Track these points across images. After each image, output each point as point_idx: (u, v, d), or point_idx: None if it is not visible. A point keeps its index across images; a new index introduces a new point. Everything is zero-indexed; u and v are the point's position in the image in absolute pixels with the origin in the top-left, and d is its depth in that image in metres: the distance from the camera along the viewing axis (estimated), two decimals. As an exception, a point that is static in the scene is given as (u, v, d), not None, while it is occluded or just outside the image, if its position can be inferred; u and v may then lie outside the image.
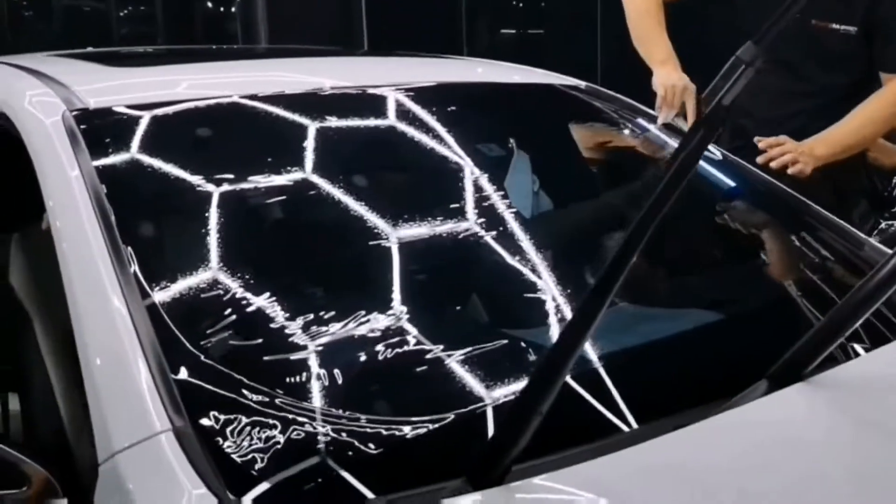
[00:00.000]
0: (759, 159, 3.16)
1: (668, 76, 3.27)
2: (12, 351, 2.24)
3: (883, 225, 3.56)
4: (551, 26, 9.95)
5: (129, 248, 1.89)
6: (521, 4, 10.36)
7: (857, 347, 2.07)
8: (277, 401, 1.67)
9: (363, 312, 1.92)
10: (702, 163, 2.71)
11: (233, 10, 9.42)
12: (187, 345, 1.75)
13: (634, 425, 1.76)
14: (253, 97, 2.47)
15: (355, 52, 5.25)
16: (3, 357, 2.37)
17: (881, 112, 3.37)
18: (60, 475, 1.66)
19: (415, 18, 8.71)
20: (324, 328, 1.87)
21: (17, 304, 2.29)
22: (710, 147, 2.91)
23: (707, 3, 3.86)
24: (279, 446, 1.59)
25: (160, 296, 1.84)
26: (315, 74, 2.86)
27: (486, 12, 9.91)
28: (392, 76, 2.86)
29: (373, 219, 2.18)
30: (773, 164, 3.16)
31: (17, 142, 2.21)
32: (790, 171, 3.15)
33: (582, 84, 3.18)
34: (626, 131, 3.07)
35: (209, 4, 10.20)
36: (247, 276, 1.94)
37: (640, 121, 3.05)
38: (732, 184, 2.80)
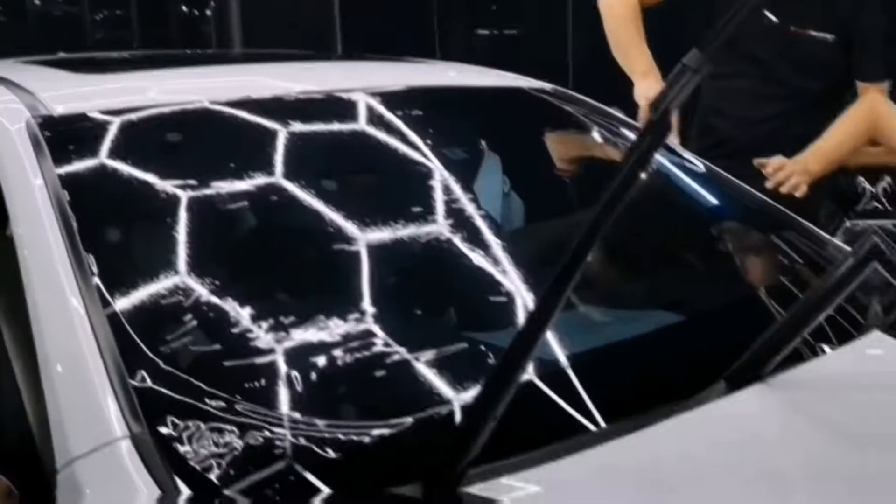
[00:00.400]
0: (769, 185, 3.18)
1: (649, 88, 3.29)
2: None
3: (848, 224, 3.59)
4: (525, 27, 9.95)
5: (91, 256, 1.89)
6: (494, 6, 10.36)
7: (822, 346, 2.08)
8: (237, 406, 1.67)
9: (323, 317, 1.93)
10: (666, 164, 2.74)
11: (208, 13, 9.42)
12: (147, 351, 1.75)
13: (595, 426, 1.77)
14: (220, 103, 2.47)
15: (327, 56, 5.25)
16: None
17: (863, 124, 3.39)
18: (25, 481, 1.66)
19: (389, 20, 8.72)
20: (284, 333, 1.88)
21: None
22: (676, 148, 2.92)
23: (684, 8, 3.86)
24: (238, 452, 1.59)
25: (120, 302, 1.84)
26: (285, 79, 2.87)
27: (459, 13, 9.91)
28: (361, 80, 2.86)
29: (338, 223, 2.18)
30: (783, 189, 3.18)
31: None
32: (797, 194, 3.18)
33: (550, 87, 3.18)
34: (596, 136, 3.08)
35: (184, 8, 10.19)
36: (208, 282, 1.94)
37: (610, 125, 3.06)
38: (695, 185, 2.81)
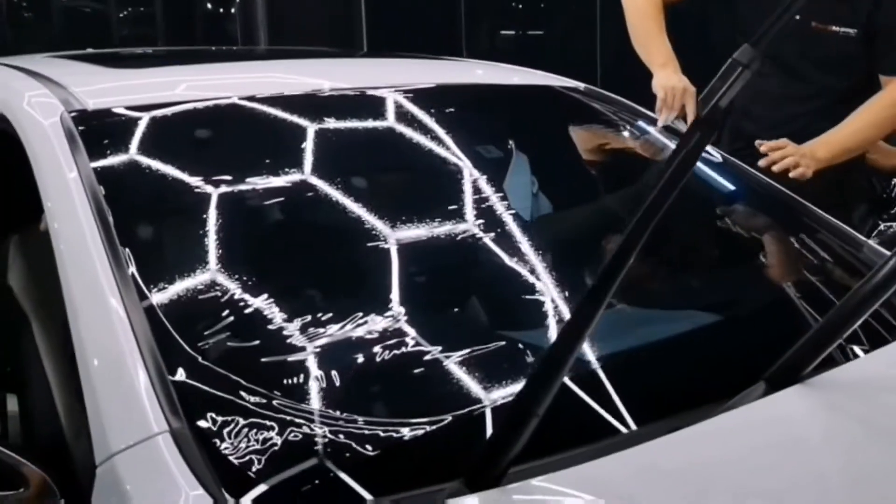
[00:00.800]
0: (762, 163, 3.16)
1: (667, 78, 3.27)
2: (11, 352, 2.24)
3: (882, 227, 3.57)
4: (551, 27, 9.94)
5: (127, 250, 1.89)
6: (520, 6, 10.35)
7: (857, 349, 2.07)
8: (275, 402, 1.67)
9: (361, 314, 1.92)
10: (701, 165, 2.72)
11: (233, 11, 9.43)
12: (185, 346, 1.75)
13: (633, 427, 1.76)
14: (251, 98, 2.47)
15: (354, 53, 5.24)
16: (2, 358, 2.37)
17: (881, 114, 3.36)
18: (59, 477, 1.66)
19: (414, 19, 8.72)
20: (321, 330, 1.87)
21: (16, 305, 2.29)
22: (710, 149, 2.91)
23: (707, 4, 3.85)
24: (276, 448, 1.59)
25: (158, 297, 1.84)
26: (314, 76, 2.86)
27: (485, 13, 9.91)
28: (391, 78, 2.85)
29: (371, 220, 2.18)
30: (774, 168, 3.15)
31: (15, 143, 2.20)
32: (792, 174, 3.14)
33: (581, 86, 3.18)
34: (625, 133, 3.07)
35: (209, 6, 10.20)
36: (245, 278, 1.94)
37: (639, 122, 3.05)
38: (731, 186, 2.80)
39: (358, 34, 8.89)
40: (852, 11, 3.37)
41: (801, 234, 2.66)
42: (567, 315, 2.04)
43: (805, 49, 3.43)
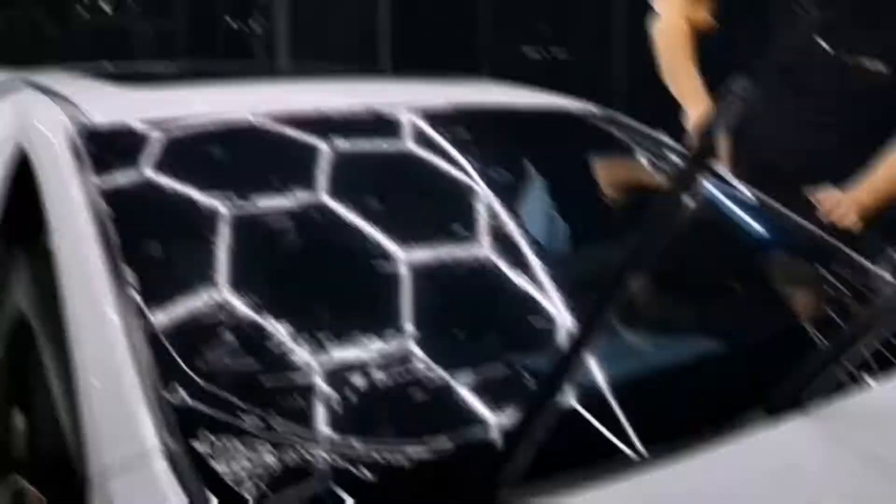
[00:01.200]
0: (827, 220, 3.16)
1: (700, 117, 3.27)
2: (18, 369, 2.24)
3: (892, 254, 3.55)
4: (576, 48, 9.94)
5: (130, 269, 1.89)
6: (544, 25, 10.34)
7: (865, 377, 2.06)
8: (272, 424, 1.67)
9: (362, 336, 1.92)
10: (712, 191, 2.72)
11: (255, 27, 9.46)
12: (183, 366, 1.75)
13: (636, 453, 1.75)
14: (264, 117, 2.47)
15: (373, 73, 5.25)
16: (9, 374, 2.37)
17: None
18: (58, 493, 1.66)
19: (438, 37, 8.73)
20: (322, 351, 1.87)
21: (24, 322, 2.29)
22: (724, 175, 2.91)
23: (735, 34, 3.83)
24: (273, 470, 1.58)
25: (158, 317, 1.84)
26: (330, 95, 2.87)
27: (508, 32, 9.91)
28: (407, 98, 2.85)
29: (380, 242, 2.18)
30: (833, 219, 3.16)
31: (24, 160, 2.21)
32: (846, 224, 3.15)
33: (596, 110, 3.17)
34: (641, 159, 3.06)
35: (231, 22, 10.24)
36: (247, 299, 1.94)
37: (657, 149, 3.04)
38: (740, 212, 2.79)
39: (383, 52, 8.90)
40: (883, 47, 3.36)
41: (808, 259, 2.66)
42: (572, 339, 2.04)
43: (835, 81, 3.42)
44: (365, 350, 1.90)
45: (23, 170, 2.25)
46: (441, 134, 2.57)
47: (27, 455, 2.14)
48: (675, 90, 3.48)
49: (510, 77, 3.64)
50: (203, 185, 2.19)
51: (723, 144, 3.19)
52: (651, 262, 1.43)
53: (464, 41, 9.29)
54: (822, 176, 3.27)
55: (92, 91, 2.74)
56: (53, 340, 2.08)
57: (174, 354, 1.77)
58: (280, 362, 1.84)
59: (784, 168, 3.31)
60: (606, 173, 3.04)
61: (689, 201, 1.42)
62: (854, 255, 2.68)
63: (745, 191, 2.91)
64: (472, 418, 1.80)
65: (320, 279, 2.20)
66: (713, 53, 3.64)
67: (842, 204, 3.20)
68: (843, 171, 3.30)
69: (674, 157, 2.99)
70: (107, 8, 10.00)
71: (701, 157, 1.44)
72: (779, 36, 1.50)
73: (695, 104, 3.35)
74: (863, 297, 2.46)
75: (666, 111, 3.41)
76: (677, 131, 3.24)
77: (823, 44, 3.31)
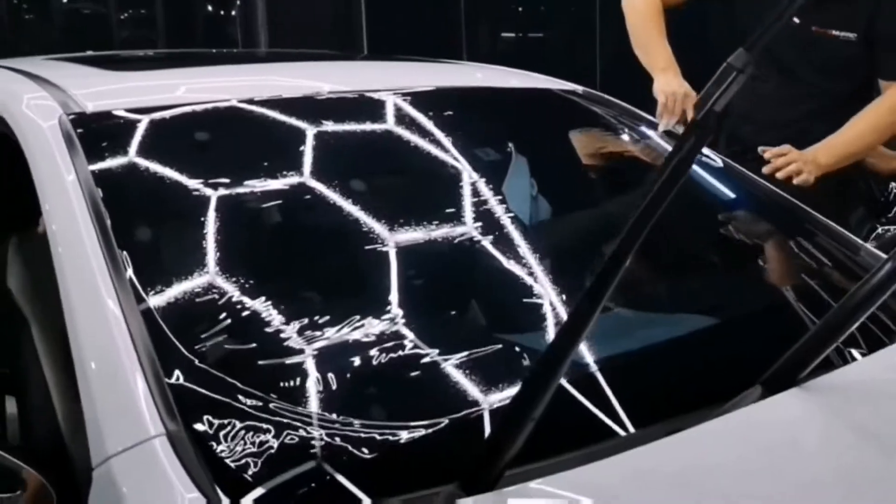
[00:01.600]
0: (765, 169, 3.16)
1: (668, 83, 3.27)
2: (10, 354, 2.24)
3: (879, 230, 3.56)
4: (551, 30, 9.94)
5: (125, 253, 1.89)
6: (520, 8, 10.34)
7: (854, 352, 2.07)
8: (272, 405, 1.67)
9: (358, 317, 1.92)
10: (699, 169, 2.73)
11: (233, 13, 9.42)
12: (182, 349, 1.75)
13: (629, 430, 1.76)
14: (250, 101, 2.47)
15: (354, 56, 5.24)
16: (1, 360, 2.37)
17: (882, 119, 3.36)
18: (56, 479, 1.66)
19: (415, 22, 8.71)
20: (318, 332, 1.87)
21: (15, 307, 2.29)
22: (709, 153, 2.91)
23: (706, 8, 3.85)
24: (273, 451, 1.59)
25: (155, 300, 1.84)
26: (313, 79, 2.86)
27: (485, 16, 9.91)
28: (390, 81, 2.85)
29: (369, 223, 2.18)
30: (778, 175, 3.15)
31: (14, 146, 2.21)
32: (795, 181, 3.15)
33: (580, 89, 3.18)
34: (625, 137, 3.07)
35: (209, 8, 10.19)
36: (242, 281, 1.94)
37: (639, 126, 3.05)
38: (729, 190, 2.80)
39: (359, 36, 8.88)
40: (853, 16, 3.37)
41: (799, 237, 2.66)
42: (564, 318, 2.04)
43: (805, 53, 3.44)
44: (360, 331, 1.90)
45: (8, 155, 2.24)
46: (426, 115, 2.58)
47: (24, 441, 2.15)
48: (644, 60, 3.48)
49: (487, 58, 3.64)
50: (194, 169, 2.19)
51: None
52: (646, 239, 1.43)
53: (443, 23, 9.28)
54: (798, 148, 3.27)
55: (79, 77, 2.74)
56: (47, 326, 2.09)
57: (172, 337, 1.77)
58: (276, 343, 1.85)
59: (761, 143, 3.31)
60: (583, 143, 3.05)
61: (669, 175, 1.43)
62: (840, 229, 2.70)
63: (732, 166, 2.92)
64: (468, 398, 1.81)
65: (311, 260, 2.21)
66: (684, 26, 3.65)
67: (791, 158, 3.20)
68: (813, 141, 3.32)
69: (653, 135, 3.00)
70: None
71: (699, 133, 1.45)
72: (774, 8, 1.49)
73: (664, 73, 3.34)
74: (850, 272, 2.48)
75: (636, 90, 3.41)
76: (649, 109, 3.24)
77: (794, 17, 3.32)
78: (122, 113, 2.32)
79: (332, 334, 1.88)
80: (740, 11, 3.59)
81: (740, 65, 1.46)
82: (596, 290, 1.44)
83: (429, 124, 2.54)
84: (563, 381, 1.74)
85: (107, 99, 2.41)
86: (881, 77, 3.42)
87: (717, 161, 2.91)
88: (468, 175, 2.43)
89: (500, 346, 1.98)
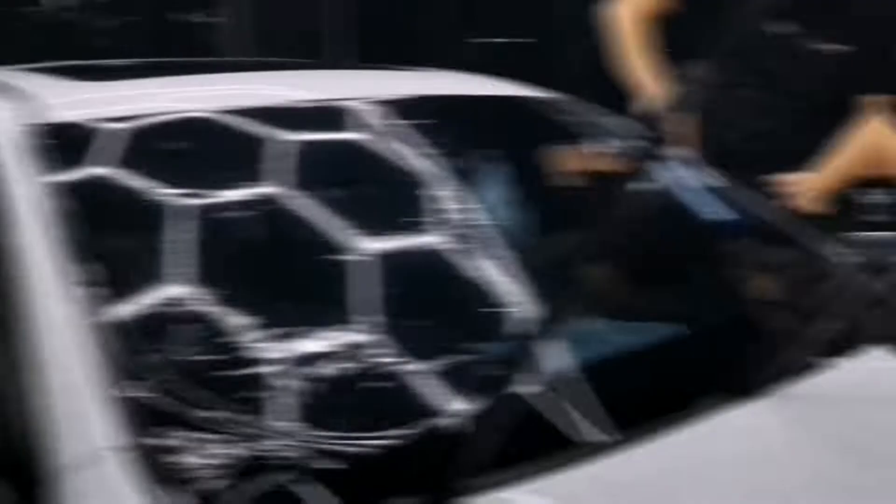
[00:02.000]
0: (794, 203, 3.18)
1: (653, 100, 3.27)
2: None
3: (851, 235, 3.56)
4: (542, 36, 9.94)
5: (83, 264, 1.88)
6: (510, 13, 10.33)
7: (825, 360, 2.07)
8: (229, 417, 1.66)
9: (321, 326, 1.91)
10: (671, 174, 2.72)
11: (215, 21, 9.42)
12: (137, 361, 1.74)
13: (600, 438, 1.76)
14: (222, 111, 2.46)
15: (332, 63, 5.25)
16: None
17: (881, 141, 3.36)
18: (9, 490, 1.65)
19: (405, 28, 8.71)
20: (279, 343, 1.86)
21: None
22: (692, 160, 2.91)
23: (693, 16, 3.84)
24: (230, 463, 1.58)
25: (110, 312, 1.83)
26: (287, 88, 2.86)
27: (476, 21, 9.90)
28: (362, 89, 2.84)
29: (335, 233, 2.17)
30: (805, 206, 3.17)
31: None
32: (811, 208, 3.16)
33: (557, 96, 3.17)
34: (601, 144, 3.06)
35: (190, 17, 10.19)
36: (201, 292, 1.93)
37: (613, 133, 3.04)
38: (704, 196, 2.79)
39: (352, 40, 8.87)
40: (839, 28, 3.38)
41: (765, 242, 2.66)
42: (531, 327, 2.04)
43: (791, 62, 3.44)
44: (323, 341, 1.89)
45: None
46: (400, 124, 2.57)
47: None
48: (627, 73, 3.48)
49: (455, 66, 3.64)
50: (159, 180, 2.18)
51: (690, 128, 3.19)
52: (612, 247, 1.43)
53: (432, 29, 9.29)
54: (779, 158, 3.28)
55: (47, 87, 2.72)
56: (3, 336, 2.07)
57: (127, 349, 1.76)
58: (236, 355, 1.84)
59: (742, 151, 3.32)
60: (564, 161, 3.04)
61: (644, 186, 1.43)
62: (812, 233, 2.69)
63: (710, 175, 2.91)
64: (434, 407, 1.80)
65: (278, 271, 2.20)
66: (668, 37, 3.65)
67: (805, 187, 3.21)
68: (799, 153, 3.31)
69: (633, 142, 3.00)
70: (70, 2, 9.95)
71: (653, 140, 1.45)
72: (733, 19, 1.49)
73: (647, 87, 3.35)
74: (822, 277, 2.47)
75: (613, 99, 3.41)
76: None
77: (779, 27, 3.32)
78: (89, 123, 2.31)
79: (293, 345, 1.87)
80: (724, 18, 3.58)
81: (700, 74, 1.46)
82: (565, 298, 1.44)
83: (402, 133, 2.53)
84: (532, 390, 1.73)
85: (74, 109, 2.40)
86: (865, 90, 3.42)
87: (697, 169, 2.90)
88: (442, 184, 2.42)
89: (467, 354, 1.97)
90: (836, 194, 3.32)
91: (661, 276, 2.61)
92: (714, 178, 2.91)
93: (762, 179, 3.26)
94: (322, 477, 1.59)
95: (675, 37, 3.65)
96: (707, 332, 2.25)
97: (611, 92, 3.48)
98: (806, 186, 3.23)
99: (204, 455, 1.58)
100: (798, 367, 1.91)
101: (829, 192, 3.26)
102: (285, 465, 1.60)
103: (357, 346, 1.90)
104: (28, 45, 8.87)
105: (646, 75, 3.40)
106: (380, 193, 2.53)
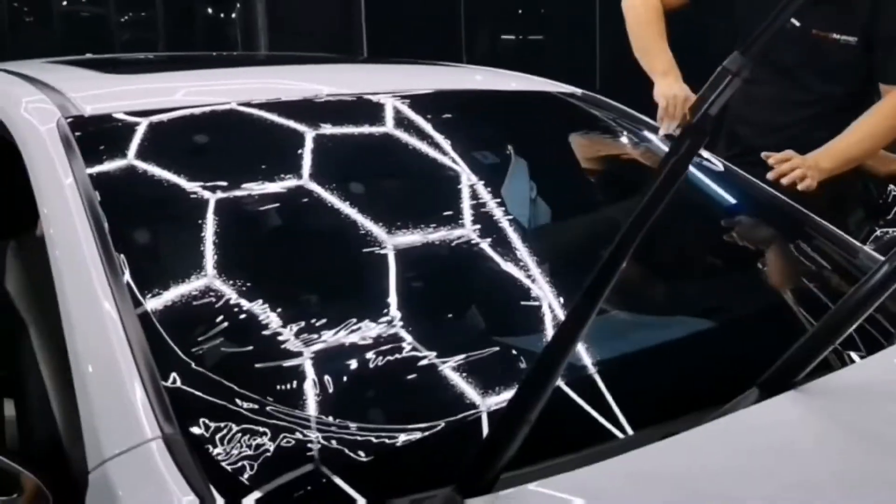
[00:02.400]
0: (770, 175, 3.14)
1: (669, 87, 3.26)
2: (8, 357, 2.24)
3: (878, 233, 3.56)
4: (551, 32, 9.93)
5: (122, 256, 1.89)
6: (520, 11, 10.34)
7: (852, 355, 2.07)
8: (268, 408, 1.67)
9: (355, 320, 1.92)
10: (697, 172, 2.72)
11: (233, 16, 9.43)
12: (178, 352, 1.75)
13: (626, 432, 1.76)
14: (249, 104, 2.47)
15: (354, 58, 5.25)
16: (-1, 363, 2.38)
17: (883, 124, 3.35)
18: (53, 482, 1.66)
19: (415, 24, 8.71)
20: (316, 335, 1.87)
21: (13, 310, 2.29)
22: (708, 156, 2.91)
23: (707, 11, 3.84)
24: (270, 454, 1.59)
25: (152, 303, 1.84)
26: (312, 82, 2.86)
27: (485, 18, 9.90)
28: (389, 83, 2.85)
29: (368, 226, 2.18)
30: (783, 181, 3.14)
31: (12, 149, 2.21)
32: (800, 186, 3.13)
33: (579, 91, 3.18)
34: (623, 140, 3.07)
35: (210, 11, 10.20)
36: (239, 284, 1.94)
37: (638, 129, 3.05)
38: (727, 193, 2.80)
39: (358, 39, 8.88)
40: (853, 19, 3.37)
41: (797, 240, 2.66)
42: (560, 321, 2.04)
43: (805, 56, 3.43)
44: (357, 334, 1.90)
45: (7, 159, 2.24)
46: (425, 118, 2.58)
47: (20, 443, 2.15)
48: (644, 64, 3.47)
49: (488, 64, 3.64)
50: (192, 172, 2.19)
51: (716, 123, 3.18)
52: (642, 242, 1.43)
53: (443, 26, 9.28)
54: (797, 152, 3.26)
55: (77, 80, 2.74)
56: (45, 329, 2.09)
57: (169, 340, 1.77)
58: (273, 347, 1.85)
59: (760, 146, 3.31)
60: (583, 148, 3.05)
61: (674, 179, 1.43)
62: (838, 232, 2.69)
63: (731, 169, 2.92)
64: (465, 401, 1.81)
65: (309, 264, 2.21)
66: (684, 30, 3.65)
67: (794, 164, 3.19)
68: (817, 146, 3.30)
69: (653, 136, 3.00)
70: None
71: (694, 136, 1.45)
72: (771, 10, 1.49)
73: (665, 77, 3.34)
74: (848, 275, 2.48)
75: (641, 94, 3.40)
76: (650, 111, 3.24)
77: (793, 19, 3.31)
78: (120, 116, 2.32)
79: (330, 337, 1.88)
80: (740, 12, 3.58)
81: (735, 68, 1.46)
82: (593, 293, 1.44)
83: (427, 127, 2.54)
84: (561, 384, 1.74)
85: (105, 102, 2.41)
86: (881, 81, 3.41)
87: (717, 164, 2.91)
88: (467, 178, 2.43)
89: (497, 348, 1.98)
90: (835, 176, 3.31)
91: (689, 270, 2.61)
92: (738, 174, 2.91)
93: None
94: (353, 468, 1.61)
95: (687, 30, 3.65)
96: (733, 326, 2.25)
97: (629, 86, 3.48)
98: (803, 165, 3.19)
99: (245, 445, 1.59)
100: (822, 362, 1.91)
101: (827, 172, 3.23)
102: (320, 457, 1.61)
103: (387, 339, 1.91)
104: (52, 37, 8.89)
105: (664, 65, 3.39)
106: (410, 188, 2.54)
